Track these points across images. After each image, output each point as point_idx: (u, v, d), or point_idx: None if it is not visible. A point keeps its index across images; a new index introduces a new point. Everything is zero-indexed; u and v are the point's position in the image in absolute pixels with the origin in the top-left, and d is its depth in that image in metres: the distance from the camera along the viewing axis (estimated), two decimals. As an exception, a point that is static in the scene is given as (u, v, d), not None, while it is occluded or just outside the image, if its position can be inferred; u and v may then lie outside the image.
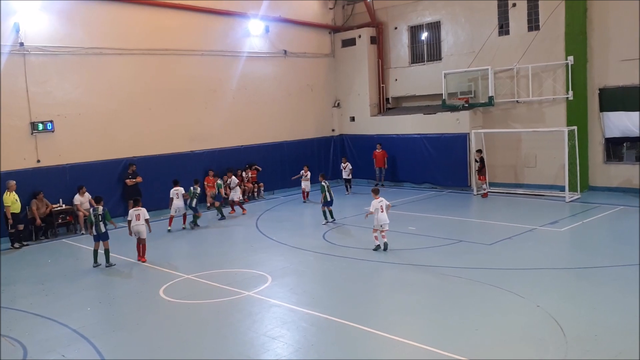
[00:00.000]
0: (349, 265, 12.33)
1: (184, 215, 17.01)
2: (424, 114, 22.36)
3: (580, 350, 7.41)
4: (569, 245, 13.52)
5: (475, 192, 20.10)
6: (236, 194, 19.30)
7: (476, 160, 19.71)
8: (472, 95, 20.79)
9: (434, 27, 22.71)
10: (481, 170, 19.45)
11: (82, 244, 15.62)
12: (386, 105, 24.73)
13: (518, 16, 19.83)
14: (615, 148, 18.84)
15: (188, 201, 16.85)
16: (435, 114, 21.94)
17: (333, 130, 25.38)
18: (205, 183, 19.87)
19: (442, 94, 21.34)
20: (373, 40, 24.24)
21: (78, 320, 9.54)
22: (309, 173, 21.16)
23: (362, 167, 24.02)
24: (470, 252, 12.73)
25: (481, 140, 20.47)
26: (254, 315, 9.44)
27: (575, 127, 18.22)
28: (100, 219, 12.95)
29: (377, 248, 13.13)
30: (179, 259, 13.67)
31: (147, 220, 13.39)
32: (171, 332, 8.94)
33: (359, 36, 24.26)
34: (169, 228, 16.56)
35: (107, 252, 13.01)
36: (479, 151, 19.62)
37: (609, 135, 18.60)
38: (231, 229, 16.70)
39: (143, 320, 9.68)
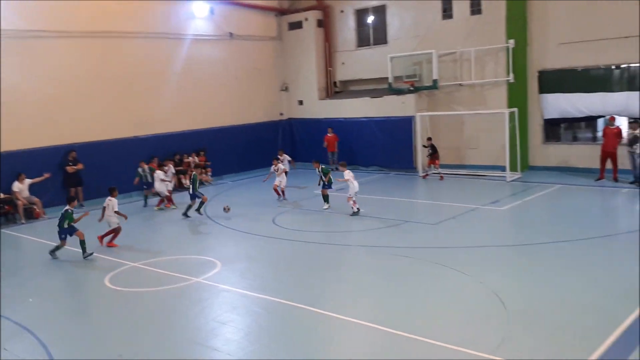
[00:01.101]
0: (300, 248, 12.40)
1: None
2: (371, 98, 22.58)
3: (521, 324, 7.73)
4: (510, 223, 14.03)
5: (421, 174, 20.51)
6: (165, 186, 17.59)
7: (425, 146, 19.98)
8: (418, 79, 21.13)
9: (380, 11, 22.85)
10: (433, 156, 19.67)
11: (23, 234, 15.06)
12: (334, 89, 24.81)
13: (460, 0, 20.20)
14: (553, 129, 19.59)
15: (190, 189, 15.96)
16: (381, 97, 22.19)
17: (281, 114, 25.29)
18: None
19: (388, 78, 21.57)
20: (320, 23, 24.19)
21: (20, 312, 9.23)
22: (285, 159, 19.39)
23: (311, 151, 24.04)
24: (416, 232, 13.03)
25: (426, 123, 20.87)
26: (203, 302, 9.37)
27: (515, 109, 18.81)
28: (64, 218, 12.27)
29: (356, 212, 14.51)
30: (125, 246, 13.37)
31: (117, 213, 13.03)
32: (117, 322, 8.78)
33: (306, 19, 24.16)
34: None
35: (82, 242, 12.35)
36: (429, 138, 19.90)
37: (547, 116, 19.30)
38: (178, 216, 16.46)
39: (88, 310, 9.47)
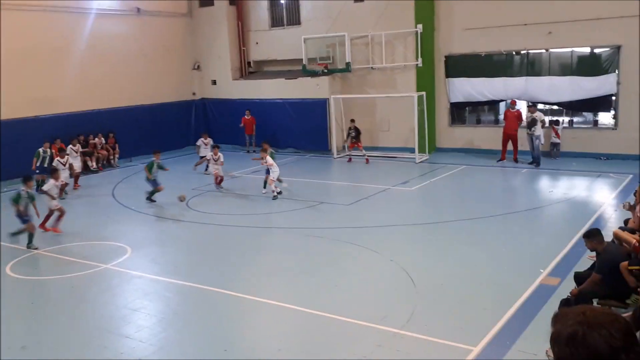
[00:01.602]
0: (214, 231, 12.27)
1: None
2: (286, 79, 22.52)
3: (428, 299, 8.14)
4: (418, 202, 14.60)
5: (335, 156, 20.82)
6: (78, 162, 17.20)
7: (349, 128, 19.79)
8: (331, 61, 21.31)
9: (293, -9, 22.76)
10: (357, 137, 19.65)
11: None
12: (248, 69, 24.50)
13: (372, -17, 20.52)
14: (459, 112, 20.50)
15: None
16: (296, 79, 22.19)
17: (194, 93, 24.67)
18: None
19: (302, 59, 21.60)
20: (232, 1, 23.70)
21: None
22: (208, 142, 19.23)
23: (225, 132, 23.73)
24: (331, 213, 13.27)
25: (340, 106, 21.16)
26: (114, 288, 9.09)
27: (424, 93, 19.47)
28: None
29: (275, 196, 14.49)
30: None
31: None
32: (20, 312, 8.33)
33: (218, -4, 23.62)
34: None
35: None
36: (352, 120, 19.89)
37: (453, 100, 20.14)
38: (85, 200, 15.75)
39: (-14, 302, 8.89)
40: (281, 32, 23.25)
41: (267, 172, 15.11)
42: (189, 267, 10.10)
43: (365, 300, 8.22)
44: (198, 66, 24.66)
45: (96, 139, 20.22)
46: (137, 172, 19.78)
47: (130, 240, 11.58)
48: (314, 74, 21.56)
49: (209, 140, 19.60)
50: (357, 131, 19.68)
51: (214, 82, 24.46)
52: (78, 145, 17.88)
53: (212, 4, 23.73)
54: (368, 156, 19.32)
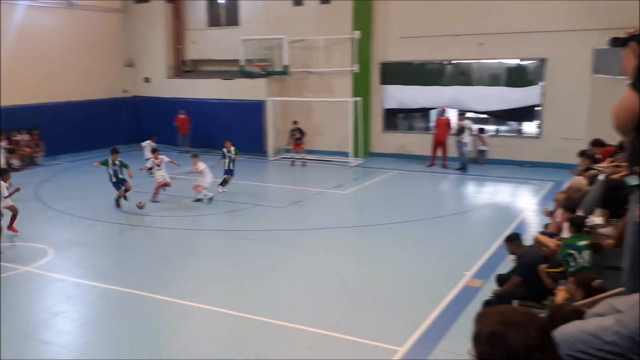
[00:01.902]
0: (143, 234, 11.96)
1: None
2: (223, 79, 22.27)
3: (358, 301, 8.25)
4: (351, 206, 14.80)
5: (270, 158, 20.75)
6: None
7: (293, 130, 19.67)
8: (269, 64, 21.24)
9: (232, -9, 22.55)
10: (301, 139, 19.55)
11: None
12: (183, 68, 24.05)
13: (311, -12, 20.64)
14: (392, 118, 20.95)
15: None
16: (233, 79, 21.98)
17: (126, 91, 23.94)
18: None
19: (240, 60, 21.42)
20: (169, -2, 23.22)
21: None
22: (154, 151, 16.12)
23: (157, 131, 23.11)
24: (265, 215, 13.21)
25: (277, 108, 21.14)
26: (33, 292, 8.67)
27: (359, 98, 19.76)
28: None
29: (207, 200, 14.20)
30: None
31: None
32: None
33: (154, -7, 23.05)
34: None
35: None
36: (295, 122, 19.76)
37: (387, 106, 20.56)
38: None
39: None
40: (219, 32, 22.97)
41: (227, 172, 15.17)
42: (115, 270, 9.78)
43: (297, 303, 8.24)
44: (130, 63, 23.96)
45: (19, 135, 19.25)
46: (63, 170, 19.01)
47: (53, 241, 11.09)
48: (251, 75, 21.42)
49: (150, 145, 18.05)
50: (301, 132, 19.66)
51: (147, 80, 23.85)
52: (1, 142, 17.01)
53: (148, 1, 23.15)
54: (305, 160, 19.39)
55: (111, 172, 13.58)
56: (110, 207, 13.82)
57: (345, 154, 19.71)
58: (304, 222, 12.60)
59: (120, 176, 13.65)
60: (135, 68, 23.97)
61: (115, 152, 13.88)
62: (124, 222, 12.61)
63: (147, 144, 18.59)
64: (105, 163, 13.69)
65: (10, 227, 11.52)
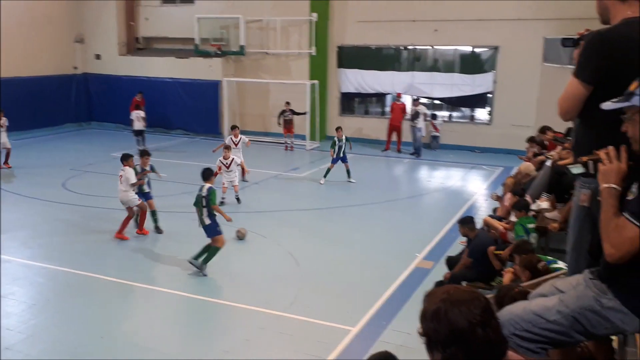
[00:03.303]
0: (91, 214, 11.67)
1: None
2: (177, 58, 21.81)
3: (312, 282, 8.34)
4: (307, 189, 14.83)
5: (226, 140, 20.50)
6: None
7: (285, 112, 18.90)
8: (225, 43, 20.93)
9: (187, -32, 22.03)
10: (292, 122, 18.88)
11: None
12: (136, 45, 23.41)
13: (268, -32, 20.37)
14: (349, 102, 21.04)
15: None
16: (188, 58, 21.57)
17: (75, 68, 23.14)
18: None
19: (194, 39, 21.02)
20: (121, -27, 22.49)
21: None
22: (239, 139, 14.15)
23: (109, 110, 22.59)
24: (219, 197, 13.06)
25: (233, 89, 20.89)
26: (-22, 274, 8.38)
27: (317, 82, 19.74)
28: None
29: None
30: None
31: (132, 185, 10.03)
32: None
33: (105, -33, 22.28)
34: None
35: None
36: (288, 103, 18.99)
37: (344, 90, 20.62)
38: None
39: None
40: (173, 9, 22.43)
41: (334, 160, 14.36)
42: (64, 251, 9.55)
43: (250, 284, 8.26)
44: (81, 39, 23.14)
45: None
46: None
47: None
48: (206, 54, 21.07)
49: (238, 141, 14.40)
50: (294, 113, 18.81)
51: (98, 57, 23.12)
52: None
53: (99, -26, 22.35)
54: (261, 141, 19.27)
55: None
56: (58, 186, 13.41)
57: (302, 137, 19.70)
58: (259, 204, 12.57)
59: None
60: (86, 44, 23.18)
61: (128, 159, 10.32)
62: (72, 202, 12.27)
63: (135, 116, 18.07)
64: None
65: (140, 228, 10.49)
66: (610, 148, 2.55)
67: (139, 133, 18.42)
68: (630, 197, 2.42)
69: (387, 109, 20.26)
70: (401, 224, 11.33)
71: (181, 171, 15.33)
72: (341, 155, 14.58)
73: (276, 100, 21.09)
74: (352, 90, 20.49)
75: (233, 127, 14.76)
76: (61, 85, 22.32)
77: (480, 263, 7.24)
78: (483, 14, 17.77)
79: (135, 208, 10.24)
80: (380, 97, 20.79)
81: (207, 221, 8.55)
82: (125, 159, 10.12)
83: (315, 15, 19.67)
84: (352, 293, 8.00)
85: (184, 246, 9.82)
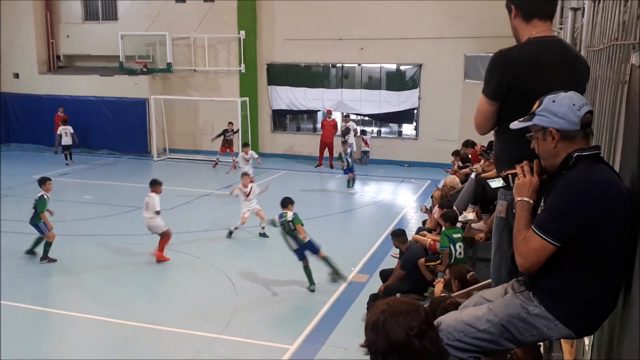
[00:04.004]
0: (14, 240, 11.05)
1: None
2: (100, 76, 21.19)
3: (248, 302, 8.27)
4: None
5: (155, 158, 20.10)
6: None
7: (228, 131, 18.70)
8: (151, 60, 20.55)
9: (110, -16, 21.53)
10: (232, 142, 18.63)
11: None
12: (57, 63, 22.55)
13: (194, -15, 20.23)
14: (281, 119, 21.13)
15: None
16: (112, 76, 21.00)
17: (-10, 87, 22.00)
18: None
19: (119, 56, 20.50)
20: (39, -11, 21.66)
21: None
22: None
23: (30, 130, 21.59)
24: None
25: (161, 107, 20.50)
26: None
27: (247, 98, 19.72)
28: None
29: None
30: None
31: (157, 213, 9.90)
32: None
33: (22, -18, 21.38)
34: None
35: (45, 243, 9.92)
36: (231, 123, 18.80)
37: (275, 107, 20.70)
38: None
39: None
40: (96, 26, 21.81)
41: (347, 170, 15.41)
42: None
43: (184, 307, 8.08)
44: (-3, 57, 22.06)
45: None
46: None
47: None
48: (132, 72, 20.59)
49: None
50: (234, 133, 18.68)
51: (17, 76, 22.09)
52: None
53: (15, -10, 21.43)
54: (190, 159, 18.98)
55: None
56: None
57: (235, 154, 19.50)
58: (191, 224, 12.34)
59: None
60: (2, 63, 22.10)
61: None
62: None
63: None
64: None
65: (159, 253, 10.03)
66: (525, 162, 2.69)
67: (66, 148, 17.73)
68: (539, 210, 2.57)
69: (319, 125, 20.49)
70: (336, 239, 11.41)
71: (106, 192, 14.81)
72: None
73: (206, 117, 20.88)
74: (283, 107, 20.60)
75: (245, 145, 15.64)
76: (-25, 105, 21.13)
77: (413, 274, 7.43)
78: (406, 33, 18.39)
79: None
80: (311, 113, 21.01)
81: (295, 245, 8.75)
82: (153, 184, 10.15)
83: (243, 32, 19.71)
84: (289, 310, 8.00)
85: (115, 270, 9.50)
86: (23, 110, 21.95)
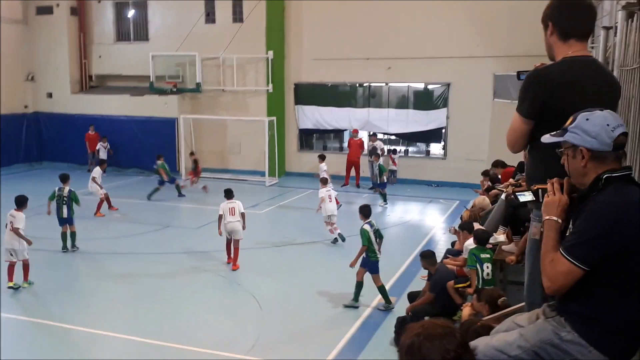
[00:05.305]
0: (47, 257, 11.22)
1: None
2: (131, 95, 21.60)
3: (274, 322, 8.19)
4: (267, 225, 14.72)
5: (184, 178, 20.28)
6: None
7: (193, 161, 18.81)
8: (180, 80, 20.90)
9: (141, 6, 22.01)
10: (196, 170, 18.79)
11: None
12: (89, 83, 23.09)
13: (223, 6, 20.54)
14: (307, 138, 21.21)
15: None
16: (143, 96, 21.39)
17: (26, 106, 22.59)
18: None
19: (149, 76, 20.89)
20: (74, 11, 22.27)
21: None
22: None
23: (62, 149, 22.08)
24: (177, 237, 12.84)
25: (190, 126, 20.77)
26: None
27: (274, 118, 19.84)
28: (64, 201, 11.29)
29: (335, 241, 12.39)
30: None
31: (243, 215, 10.73)
32: None
33: (57, 5, 22.02)
34: None
35: (73, 235, 11.53)
36: (192, 153, 19.05)
37: (302, 126, 20.79)
38: None
39: None
40: (127, 46, 22.32)
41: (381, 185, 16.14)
42: (16, 297, 9.12)
43: (210, 326, 8.05)
44: (32, 77, 22.69)
45: None
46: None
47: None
48: (162, 92, 20.95)
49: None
50: (196, 163, 18.70)
51: (50, 95, 22.67)
52: None
53: (51, 13, 22.09)
54: (218, 178, 19.10)
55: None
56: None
57: (261, 173, 19.65)
58: (218, 243, 12.35)
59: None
60: (37, 82, 22.73)
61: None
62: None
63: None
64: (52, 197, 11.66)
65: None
66: (556, 179, 2.62)
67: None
68: (568, 232, 2.49)
69: (345, 144, 20.48)
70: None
71: (136, 210, 14.98)
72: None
73: (234, 136, 21.08)
74: (310, 126, 20.68)
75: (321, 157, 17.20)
76: (10, 124, 21.68)
77: (442, 297, 7.28)
78: (434, 52, 18.34)
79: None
80: (337, 132, 21.03)
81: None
82: (227, 193, 11.06)
83: (271, 53, 19.91)
84: (316, 332, 7.90)
85: (143, 288, 9.55)
86: (56, 129, 22.48)
